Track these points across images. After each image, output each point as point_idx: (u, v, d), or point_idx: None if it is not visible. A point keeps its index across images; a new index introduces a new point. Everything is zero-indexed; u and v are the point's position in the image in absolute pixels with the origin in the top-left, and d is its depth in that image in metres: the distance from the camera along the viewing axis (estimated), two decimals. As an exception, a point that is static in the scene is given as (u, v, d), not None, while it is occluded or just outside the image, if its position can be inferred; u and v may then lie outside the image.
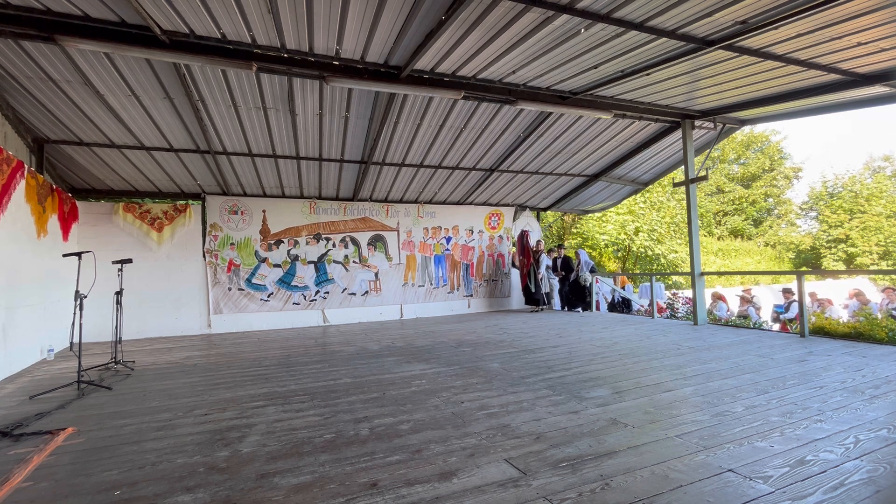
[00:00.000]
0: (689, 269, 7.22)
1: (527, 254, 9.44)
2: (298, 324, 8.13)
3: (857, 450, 2.18)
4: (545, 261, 9.27)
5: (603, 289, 10.40)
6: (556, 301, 9.81)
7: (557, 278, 9.70)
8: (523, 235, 9.57)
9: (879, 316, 7.91)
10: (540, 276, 9.23)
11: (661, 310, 10.67)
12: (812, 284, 14.69)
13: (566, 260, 9.77)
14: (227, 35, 4.14)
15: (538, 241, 9.61)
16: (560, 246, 10.04)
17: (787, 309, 9.09)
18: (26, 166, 4.90)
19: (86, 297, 4.10)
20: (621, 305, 10.72)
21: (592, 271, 9.56)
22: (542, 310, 9.32)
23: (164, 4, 3.62)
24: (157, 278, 7.30)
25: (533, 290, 9.27)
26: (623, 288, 11.05)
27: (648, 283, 11.54)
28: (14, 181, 4.61)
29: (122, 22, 3.91)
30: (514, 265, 10.32)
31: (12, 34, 3.82)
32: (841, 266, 22.70)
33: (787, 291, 9.58)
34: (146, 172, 6.93)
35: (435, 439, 2.45)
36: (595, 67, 5.04)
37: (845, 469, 1.99)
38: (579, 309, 9.50)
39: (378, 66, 4.86)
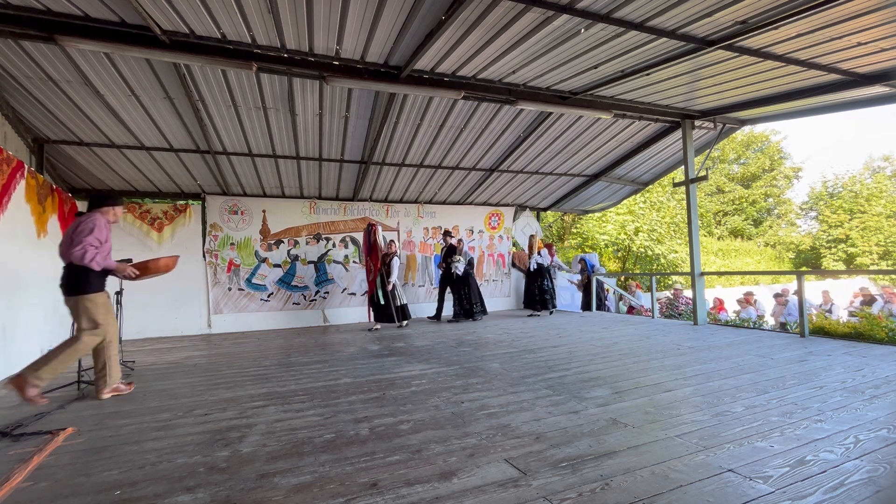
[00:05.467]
0: (689, 269, 7.23)
1: (374, 256, 7.25)
2: (298, 324, 8.14)
3: (857, 450, 2.18)
4: (397, 266, 7.38)
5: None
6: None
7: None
8: (370, 231, 7.33)
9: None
10: (390, 286, 7.30)
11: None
12: (812, 284, 14.69)
13: (450, 249, 8.13)
14: (227, 35, 4.14)
15: (391, 242, 7.63)
16: (447, 233, 8.29)
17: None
18: (26, 166, 4.89)
19: (86, 297, 4.09)
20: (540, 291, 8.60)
21: (470, 264, 8.26)
22: (402, 325, 7.46)
23: (164, 4, 3.62)
24: (157, 278, 7.25)
25: (382, 303, 7.24)
26: (539, 253, 8.79)
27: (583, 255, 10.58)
28: (14, 181, 4.60)
29: (122, 22, 3.91)
30: (513, 265, 10.30)
31: (12, 34, 3.82)
32: (841, 266, 22.70)
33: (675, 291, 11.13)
34: (146, 172, 6.93)
35: (435, 439, 2.45)
36: (595, 67, 5.04)
37: (845, 469, 1.99)
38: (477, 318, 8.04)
39: (378, 66, 4.86)
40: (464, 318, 8.03)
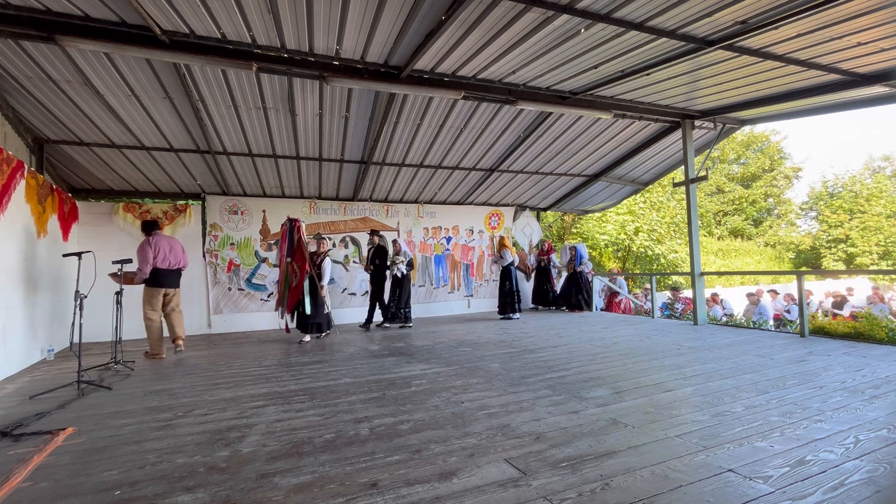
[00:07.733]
0: (689, 269, 7.23)
1: (300, 256, 6.14)
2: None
3: (857, 450, 2.18)
4: (329, 267, 6.38)
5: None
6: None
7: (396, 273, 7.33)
8: (293, 228, 6.24)
9: (770, 319, 8.80)
10: (324, 290, 6.28)
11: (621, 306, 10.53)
12: (811, 284, 14.70)
13: (379, 249, 7.47)
14: (227, 35, 4.13)
15: (320, 240, 6.59)
16: (374, 233, 7.71)
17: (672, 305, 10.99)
18: (26, 166, 4.89)
19: (86, 297, 4.10)
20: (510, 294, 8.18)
21: (410, 265, 7.52)
22: (324, 336, 6.57)
23: (164, 4, 3.62)
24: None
25: (308, 311, 6.15)
26: (501, 254, 8.29)
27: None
28: (14, 181, 4.60)
29: (122, 22, 3.91)
30: (519, 269, 10.23)
31: (12, 34, 3.82)
32: (841, 266, 22.69)
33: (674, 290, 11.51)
34: (146, 172, 6.92)
35: (435, 439, 2.45)
36: (595, 67, 5.04)
37: (845, 469, 1.99)
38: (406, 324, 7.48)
39: (378, 66, 4.86)
40: (396, 322, 7.48)
